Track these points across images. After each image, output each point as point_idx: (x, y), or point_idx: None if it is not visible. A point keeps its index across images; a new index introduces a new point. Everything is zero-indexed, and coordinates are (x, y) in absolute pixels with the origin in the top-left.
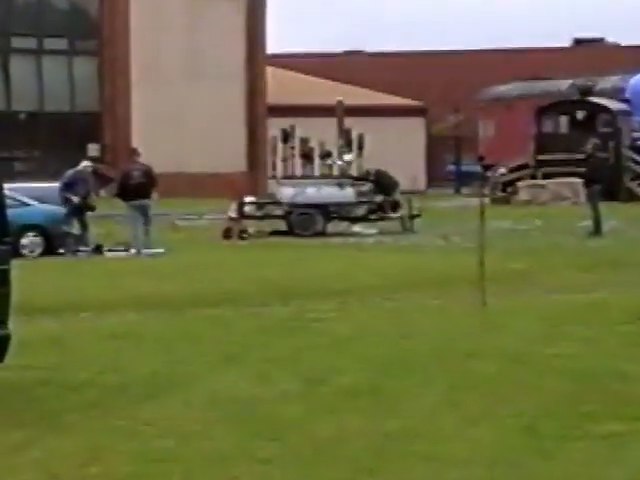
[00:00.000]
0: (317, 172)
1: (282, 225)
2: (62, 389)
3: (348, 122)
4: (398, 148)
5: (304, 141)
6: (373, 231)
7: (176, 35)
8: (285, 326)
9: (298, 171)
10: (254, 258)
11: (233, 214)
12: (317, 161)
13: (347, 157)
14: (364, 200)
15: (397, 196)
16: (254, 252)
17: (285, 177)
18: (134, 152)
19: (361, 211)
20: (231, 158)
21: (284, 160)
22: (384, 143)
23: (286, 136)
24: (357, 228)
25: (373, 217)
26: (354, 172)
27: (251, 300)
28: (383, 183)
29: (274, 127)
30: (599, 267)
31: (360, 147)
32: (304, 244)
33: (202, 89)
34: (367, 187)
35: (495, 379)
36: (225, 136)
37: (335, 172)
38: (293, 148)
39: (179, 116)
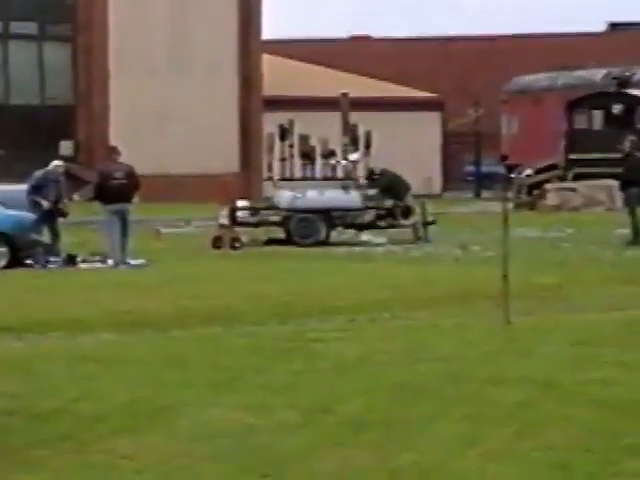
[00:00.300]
0: (319, 173)
1: (279, 233)
2: (29, 419)
3: (354, 117)
4: (411, 146)
5: (304, 138)
6: (382, 240)
7: (161, 20)
8: (283, 348)
9: (297, 172)
10: (248, 270)
11: (224, 220)
12: (319, 161)
13: (353, 156)
14: (372, 205)
15: (409, 200)
16: (248, 263)
17: (283, 179)
18: (113, 151)
19: (369, 217)
20: (222, 158)
21: (282, 160)
22: (395, 141)
23: (284, 133)
24: (364, 236)
25: (382, 224)
26: (361, 173)
27: (244, 318)
28: (390, 185)
29: (270, 123)
30: (638, 281)
31: (367, 145)
32: (304, 254)
33: (189, 80)
34: (375, 190)
35: (520, 408)
36: (215, 133)
37: (339, 173)
38: (292, 146)
39: (163, 111)
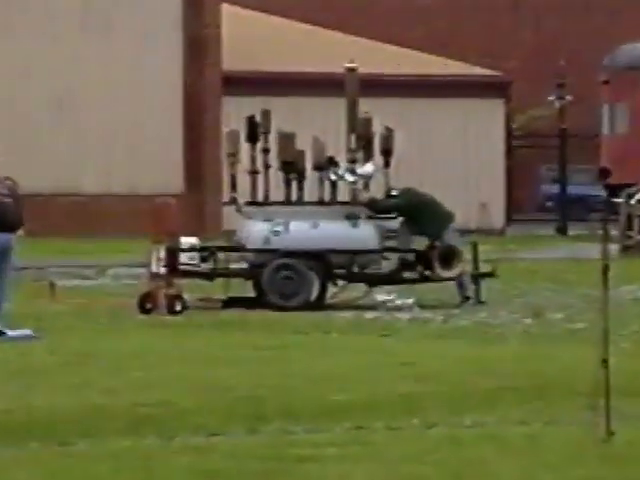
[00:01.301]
0: (309, 195)
1: (247, 288)
2: None
3: (366, 105)
4: (456, 154)
5: (287, 139)
6: (409, 301)
7: None
8: (252, 471)
9: (276, 193)
10: (196, 347)
11: (158, 267)
12: (310, 175)
13: (364, 168)
14: (394, 246)
15: (451, 239)
16: (196, 337)
17: (253, 203)
18: None
19: (388, 265)
20: (156, 168)
21: (251, 173)
22: (429, 145)
23: (254, 130)
24: (381, 295)
25: (409, 276)
26: (376, 194)
27: (190, 423)
28: (417, 210)
29: (233, 113)
30: None
31: (387, 151)
32: (285, 323)
33: (106, 46)
34: (400, 222)
35: None
36: (146, 131)
37: (342, 195)
38: (267, 151)
39: (65, 96)
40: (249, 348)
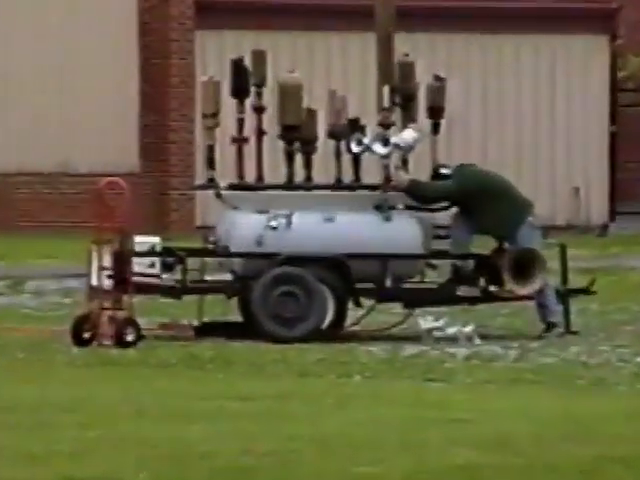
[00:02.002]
0: (322, 175)
1: (231, 310)
2: None
3: (405, 43)
4: (534, 115)
5: (290, 93)
6: (466, 329)
7: None
8: None
9: (274, 171)
10: (157, 396)
11: (100, 279)
12: (323, 146)
13: (403, 137)
14: (444, 251)
15: (528, 239)
16: (157, 380)
17: (239, 185)
18: None
19: (437, 277)
20: (98, 139)
21: (238, 142)
22: (497, 102)
23: (242, 79)
24: (426, 321)
25: (466, 293)
26: (422, 174)
27: None
28: (483, 201)
29: (212, 55)
30: None
31: (435, 111)
32: (286, 361)
33: None
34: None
35: None
36: (84, 82)
37: (370, 175)
38: (260, 111)
39: None
40: (233, 397)
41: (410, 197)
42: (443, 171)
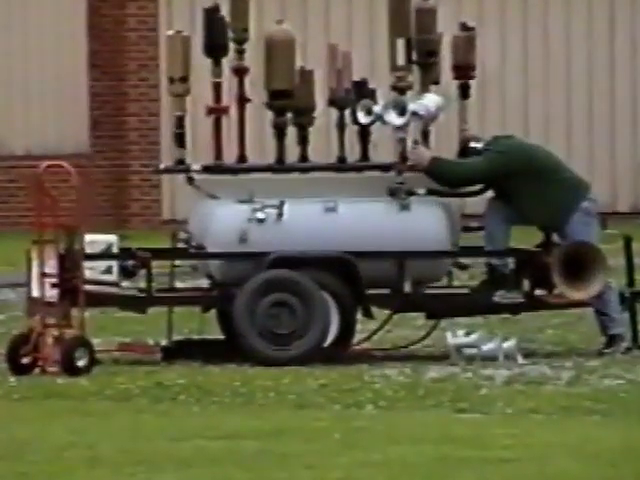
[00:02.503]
0: (321, 153)
1: (209, 324)
2: None
3: None
4: (587, 74)
5: (278, 48)
6: (506, 345)
7: None
8: None
9: (259, 149)
10: (117, 438)
11: (41, 288)
12: (322, 115)
13: (423, 103)
14: (477, 246)
15: (583, 230)
16: (116, 417)
17: (216, 168)
18: None
19: (468, 280)
20: (40, 113)
21: (214, 113)
22: (542, 57)
23: (218, 33)
24: (455, 336)
25: (505, 300)
26: (447, 150)
27: None
28: (526, 183)
29: (180, 3)
30: None
31: (463, 70)
32: (279, 389)
33: None
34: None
35: None
36: (18, 42)
37: (382, 153)
38: (242, 72)
39: None
40: (212, 437)
41: (433, 179)
42: (474, 145)
